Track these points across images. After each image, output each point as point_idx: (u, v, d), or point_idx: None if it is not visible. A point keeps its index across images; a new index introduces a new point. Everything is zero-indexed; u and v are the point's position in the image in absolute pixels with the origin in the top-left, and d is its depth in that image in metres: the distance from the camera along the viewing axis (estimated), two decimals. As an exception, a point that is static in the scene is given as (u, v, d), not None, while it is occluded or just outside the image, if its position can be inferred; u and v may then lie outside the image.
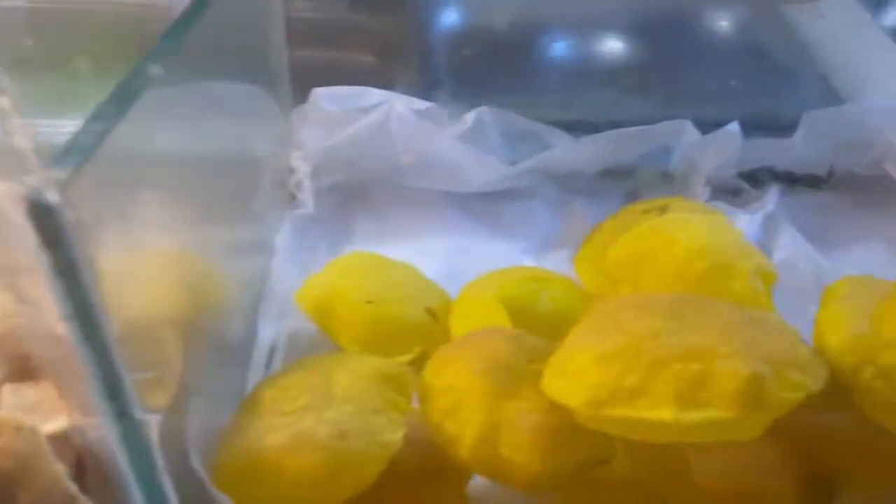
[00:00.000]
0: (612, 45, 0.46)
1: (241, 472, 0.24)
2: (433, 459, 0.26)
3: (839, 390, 0.25)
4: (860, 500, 0.25)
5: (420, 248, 0.39)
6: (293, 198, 0.40)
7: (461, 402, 0.25)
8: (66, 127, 0.45)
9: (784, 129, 0.42)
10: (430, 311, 0.34)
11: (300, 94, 0.41)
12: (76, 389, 0.18)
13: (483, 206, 0.41)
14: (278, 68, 0.39)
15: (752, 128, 0.43)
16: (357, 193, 0.41)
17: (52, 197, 0.15)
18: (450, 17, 0.51)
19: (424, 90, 0.44)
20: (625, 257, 0.33)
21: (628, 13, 0.47)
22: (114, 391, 0.18)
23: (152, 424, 0.19)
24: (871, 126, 0.41)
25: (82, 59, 0.46)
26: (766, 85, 0.44)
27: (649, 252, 0.32)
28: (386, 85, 0.42)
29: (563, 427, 0.23)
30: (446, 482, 0.27)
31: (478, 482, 0.27)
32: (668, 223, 0.33)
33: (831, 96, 0.44)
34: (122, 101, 0.19)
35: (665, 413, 0.20)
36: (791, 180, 0.43)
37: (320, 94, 0.40)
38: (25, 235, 0.15)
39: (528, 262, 0.39)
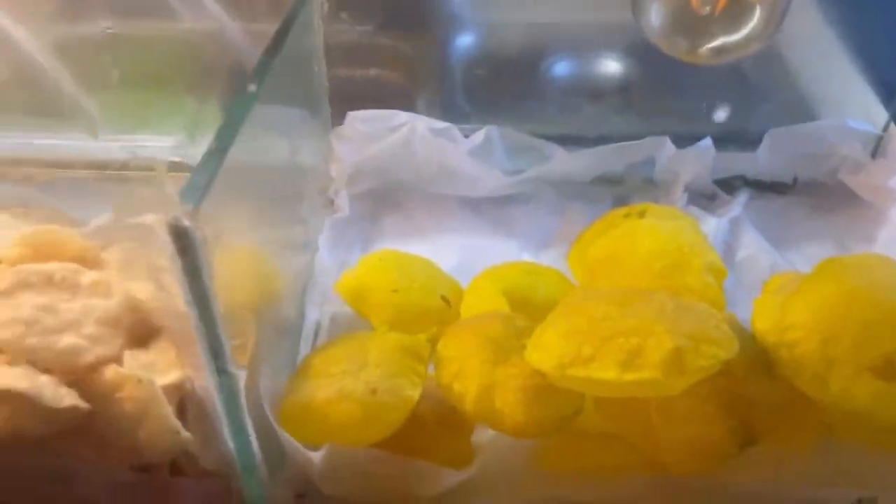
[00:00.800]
0: (602, 68, 0.53)
1: (298, 418, 0.32)
2: (444, 413, 0.34)
3: (764, 363, 0.32)
4: (775, 443, 0.31)
5: (437, 245, 0.46)
6: (332, 203, 0.47)
7: (464, 368, 0.32)
8: (142, 141, 0.53)
9: (756, 142, 0.49)
10: (444, 299, 0.41)
11: (335, 113, 0.49)
12: (191, 352, 0.26)
13: (491, 210, 0.49)
14: (320, 93, 0.46)
15: (727, 141, 0.49)
16: (385, 199, 0.49)
17: (187, 223, 0.22)
18: (464, 41, 0.58)
19: (442, 108, 0.51)
20: (602, 256, 0.40)
21: (617, 39, 0.53)
22: (216, 354, 0.26)
23: (241, 378, 0.27)
24: (827, 141, 0.47)
25: (151, 79, 0.54)
26: (740, 103, 0.50)
27: (620, 252, 0.39)
28: (408, 104, 0.50)
29: (542, 387, 0.31)
30: (455, 431, 0.34)
31: (483, 434, 0.35)
32: (637, 228, 0.40)
33: (801, 113, 0.50)
34: (223, 144, 0.26)
35: (610, 374, 0.27)
36: (760, 187, 0.50)
37: (355, 116, 0.47)
38: (167, 247, 0.23)
39: (528, 257, 0.46)
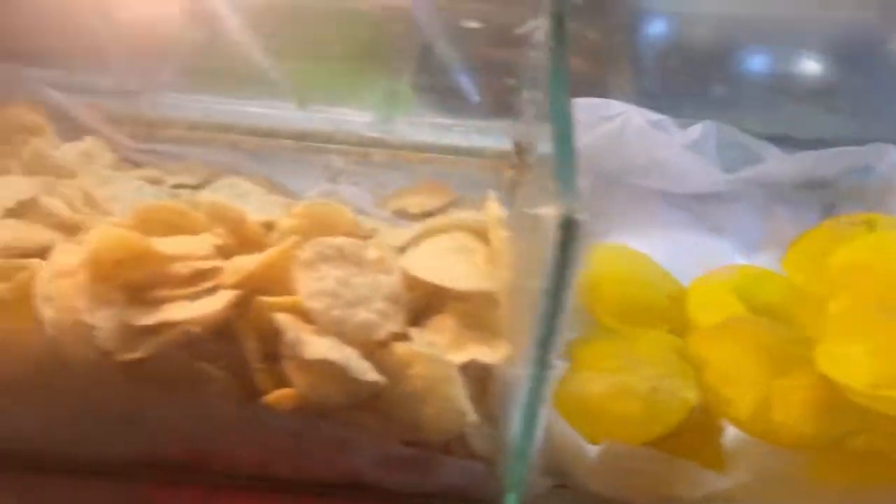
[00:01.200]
0: (811, 65, 0.51)
1: (571, 410, 0.32)
2: (699, 416, 0.34)
3: None
4: None
5: (646, 240, 0.45)
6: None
7: (736, 374, 0.32)
8: (343, 115, 0.53)
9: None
10: (671, 297, 0.41)
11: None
12: (517, 340, 0.26)
13: (698, 207, 0.48)
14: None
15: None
16: (594, 189, 0.48)
17: (582, 217, 0.22)
18: (655, 29, 0.56)
19: (640, 100, 0.50)
20: (844, 265, 0.39)
21: (827, 35, 0.51)
22: (548, 344, 0.26)
23: (559, 370, 0.27)
24: None
25: (349, 54, 0.54)
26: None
27: (868, 262, 0.38)
28: (599, 93, 0.49)
29: (829, 400, 0.30)
30: (707, 434, 0.34)
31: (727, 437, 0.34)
32: (885, 238, 0.39)
33: None
34: (568, 142, 0.26)
35: (937, 397, 0.27)
36: (978, 202, 0.48)
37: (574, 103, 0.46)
38: (545, 239, 0.23)
39: (740, 259, 0.45)
